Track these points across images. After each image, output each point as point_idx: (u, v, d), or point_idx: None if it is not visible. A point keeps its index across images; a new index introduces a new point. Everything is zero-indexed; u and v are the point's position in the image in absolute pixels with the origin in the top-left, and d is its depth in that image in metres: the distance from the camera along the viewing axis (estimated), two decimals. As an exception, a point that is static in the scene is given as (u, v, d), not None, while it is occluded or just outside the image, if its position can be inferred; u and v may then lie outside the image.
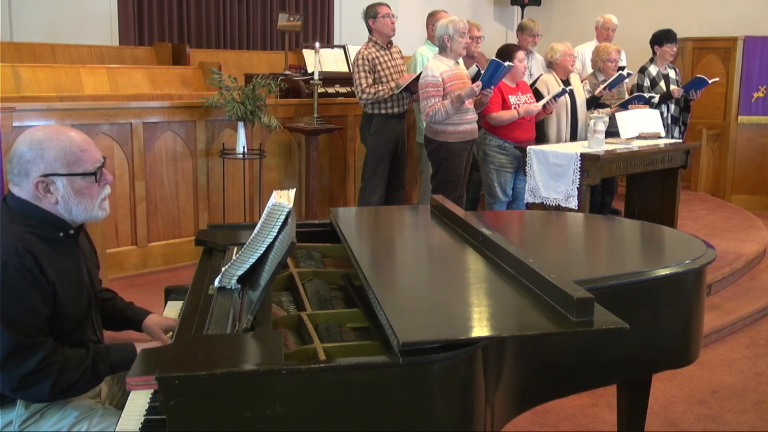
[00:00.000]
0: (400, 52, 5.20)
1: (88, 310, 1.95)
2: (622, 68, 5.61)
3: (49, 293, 1.79)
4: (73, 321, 1.88)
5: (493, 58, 4.55)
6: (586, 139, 5.19)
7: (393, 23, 5.04)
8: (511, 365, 1.76)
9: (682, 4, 8.34)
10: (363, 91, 4.91)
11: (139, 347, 1.93)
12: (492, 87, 4.57)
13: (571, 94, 5.19)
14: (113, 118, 4.51)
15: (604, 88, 5.34)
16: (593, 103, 5.44)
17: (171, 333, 2.16)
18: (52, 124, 1.98)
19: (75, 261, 1.92)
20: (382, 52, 5.00)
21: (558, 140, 5.16)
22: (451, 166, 4.67)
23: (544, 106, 4.94)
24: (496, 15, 9.98)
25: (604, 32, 6.42)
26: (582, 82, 5.60)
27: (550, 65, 5.25)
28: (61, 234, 1.88)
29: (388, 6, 5.05)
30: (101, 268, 2.24)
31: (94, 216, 1.90)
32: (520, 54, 4.94)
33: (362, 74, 4.90)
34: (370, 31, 5.04)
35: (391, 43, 5.10)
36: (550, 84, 5.17)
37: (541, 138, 5.12)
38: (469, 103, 4.61)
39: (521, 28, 6.05)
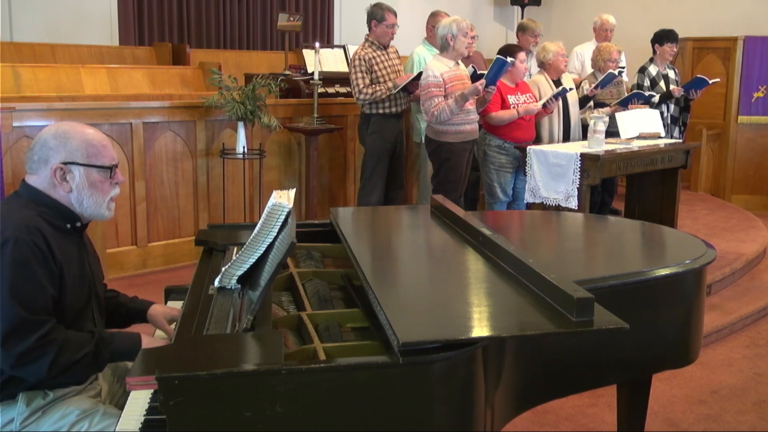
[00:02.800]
0: (397, 52, 5.21)
1: (87, 301, 1.97)
2: (622, 68, 5.60)
3: (56, 274, 1.82)
4: (73, 310, 1.90)
5: (498, 56, 4.54)
6: (578, 139, 5.19)
7: (394, 34, 5.04)
8: (511, 365, 1.76)
9: (682, 4, 8.34)
10: (360, 92, 4.91)
11: (145, 339, 1.95)
12: (495, 84, 4.57)
13: (564, 94, 5.19)
14: (113, 118, 4.51)
15: (596, 87, 5.34)
16: (585, 103, 5.43)
17: (175, 324, 2.16)
18: (75, 122, 2.05)
19: (78, 252, 1.96)
20: (379, 53, 5.00)
21: (551, 140, 5.15)
22: (452, 166, 4.67)
23: (544, 106, 4.93)
24: (496, 15, 9.98)
25: (602, 33, 6.41)
26: (582, 82, 5.59)
27: (542, 65, 5.24)
28: (69, 225, 1.94)
29: (395, 15, 5.02)
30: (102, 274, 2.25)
31: (101, 213, 1.96)
32: (522, 54, 4.94)
33: (359, 74, 4.90)
34: (369, 28, 5.03)
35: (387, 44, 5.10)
36: (541, 84, 5.16)
37: (535, 138, 5.12)
38: (470, 103, 4.61)
39: (522, 29, 6.04)
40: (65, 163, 1.89)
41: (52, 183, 1.90)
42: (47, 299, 1.80)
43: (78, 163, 1.90)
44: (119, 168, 2.01)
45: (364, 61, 4.91)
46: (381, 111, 4.98)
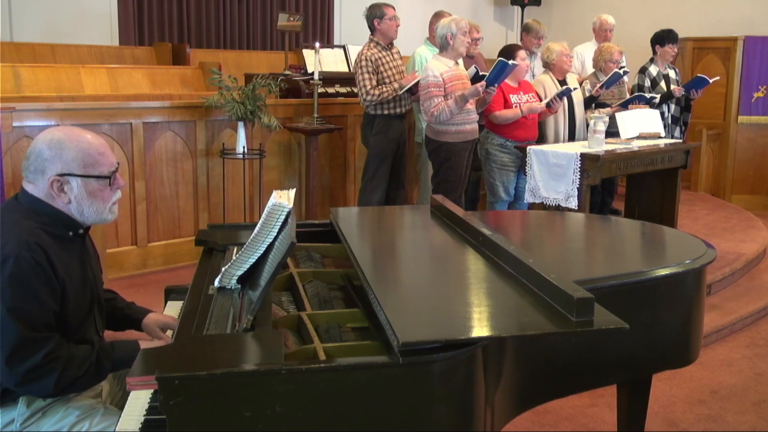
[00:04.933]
0: (399, 52, 5.21)
1: (90, 308, 1.96)
2: (626, 69, 5.61)
3: (57, 289, 1.80)
4: (76, 319, 1.89)
5: (500, 58, 4.54)
6: (583, 138, 5.19)
7: (398, 26, 5.04)
8: (511, 365, 1.76)
9: (682, 4, 8.34)
10: (368, 93, 4.88)
11: (143, 345, 1.94)
12: (496, 86, 4.57)
13: (569, 94, 5.19)
14: (113, 118, 4.51)
15: (601, 87, 5.35)
16: (591, 102, 5.44)
17: (170, 331, 2.16)
18: (71, 126, 1.99)
19: (81, 260, 1.94)
20: (384, 53, 4.99)
21: (556, 140, 5.16)
22: (452, 166, 4.67)
23: (548, 105, 4.94)
24: (496, 15, 9.99)
25: (601, 33, 6.42)
26: (582, 82, 5.60)
27: (547, 65, 5.25)
28: (71, 233, 1.91)
29: (393, 8, 5.02)
30: (102, 270, 2.25)
31: (104, 219, 1.94)
32: (522, 53, 4.95)
33: (366, 75, 4.88)
34: (372, 31, 5.03)
35: (391, 43, 5.09)
36: (547, 84, 5.17)
37: (539, 138, 5.12)
38: (470, 103, 4.61)
39: (526, 29, 6.04)
40: (62, 175, 1.84)
41: (50, 194, 1.85)
42: (49, 315, 1.78)
43: (75, 175, 1.85)
44: (119, 170, 1.96)
45: (371, 62, 4.89)
46: (386, 112, 4.98)
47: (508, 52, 4.91)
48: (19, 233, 1.78)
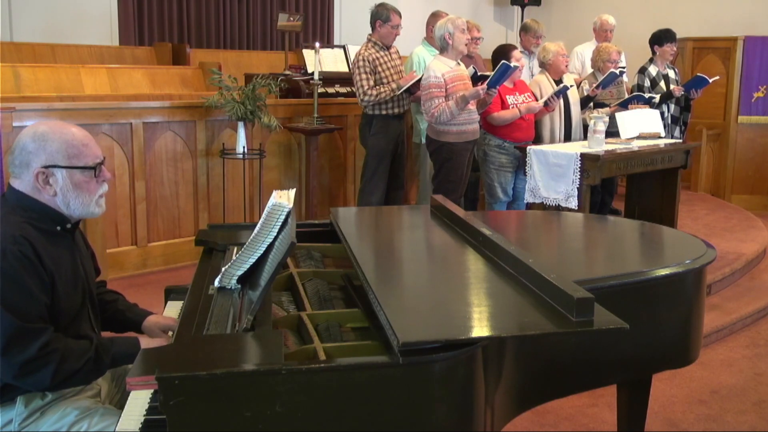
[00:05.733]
0: (398, 52, 5.20)
1: (82, 304, 1.95)
2: (623, 68, 5.60)
3: (47, 282, 1.80)
4: (68, 315, 1.88)
5: (503, 61, 4.55)
6: (580, 138, 5.19)
7: (397, 35, 5.03)
8: (511, 365, 1.76)
9: (682, 4, 8.35)
10: (365, 93, 4.88)
11: (143, 341, 1.94)
12: (497, 88, 4.58)
13: (565, 94, 5.19)
14: (113, 118, 4.51)
15: (597, 87, 5.34)
16: (588, 102, 5.43)
17: (170, 332, 2.16)
18: (55, 120, 1.98)
19: (71, 255, 1.93)
20: (382, 53, 4.99)
21: (552, 140, 5.15)
22: (453, 166, 4.67)
23: (546, 104, 4.93)
24: (496, 15, 9.99)
25: (602, 33, 6.41)
26: (582, 82, 5.59)
27: (543, 65, 5.25)
28: (59, 227, 1.90)
29: (400, 16, 5.01)
30: (101, 270, 2.24)
31: (91, 212, 1.92)
32: (516, 53, 4.96)
33: (363, 75, 4.88)
34: (372, 29, 5.02)
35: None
36: (543, 84, 5.17)
37: (536, 138, 5.12)
38: (471, 104, 4.61)
39: (525, 29, 6.04)
40: (46, 167, 1.84)
41: (36, 187, 1.85)
42: (41, 308, 1.78)
43: (59, 166, 1.85)
44: (107, 164, 1.95)
45: (368, 62, 4.89)
46: (384, 112, 4.98)
47: (503, 52, 4.92)
48: (5, 227, 1.78)
